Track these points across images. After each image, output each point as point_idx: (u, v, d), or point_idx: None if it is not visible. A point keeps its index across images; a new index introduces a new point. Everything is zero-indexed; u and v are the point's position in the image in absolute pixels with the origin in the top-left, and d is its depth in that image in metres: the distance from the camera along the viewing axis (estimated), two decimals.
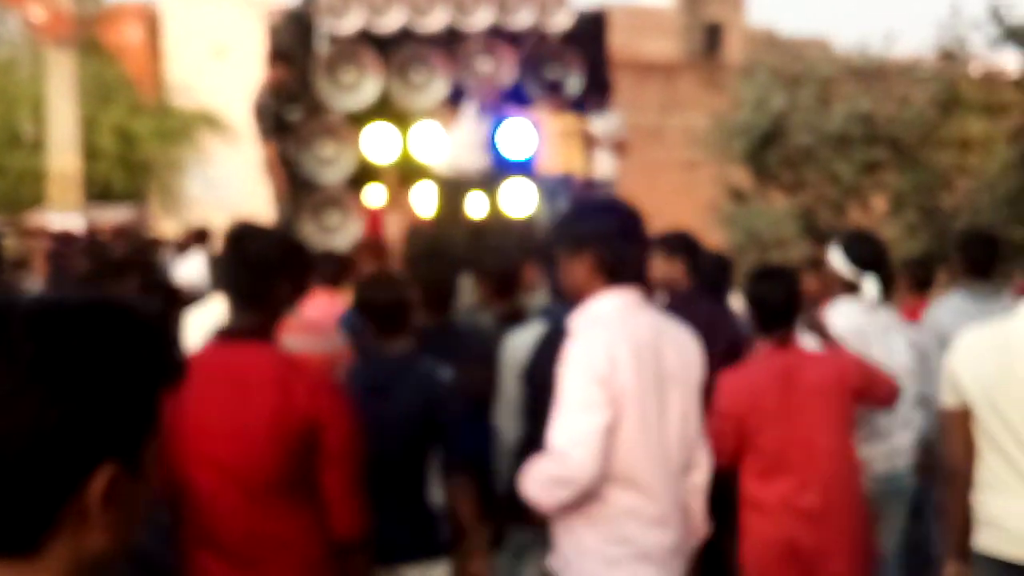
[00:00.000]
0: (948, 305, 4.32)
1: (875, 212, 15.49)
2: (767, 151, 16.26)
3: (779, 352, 3.38)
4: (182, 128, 19.50)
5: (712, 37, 23.05)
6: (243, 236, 2.54)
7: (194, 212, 18.35)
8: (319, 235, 6.87)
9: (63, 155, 9.95)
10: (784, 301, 3.37)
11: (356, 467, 2.53)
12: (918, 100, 15.72)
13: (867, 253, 3.86)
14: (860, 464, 3.45)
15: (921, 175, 15.52)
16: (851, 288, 3.87)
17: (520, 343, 3.66)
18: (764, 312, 3.38)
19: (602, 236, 2.61)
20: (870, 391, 3.41)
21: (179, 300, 3.72)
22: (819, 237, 15.76)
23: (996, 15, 12.80)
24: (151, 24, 17.14)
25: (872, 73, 15.79)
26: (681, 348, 2.71)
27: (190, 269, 5.95)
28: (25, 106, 16.80)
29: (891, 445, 3.86)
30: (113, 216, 10.13)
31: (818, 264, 5.06)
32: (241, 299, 2.49)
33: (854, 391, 3.39)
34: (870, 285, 3.81)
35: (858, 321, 3.81)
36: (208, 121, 20.55)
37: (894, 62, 15.95)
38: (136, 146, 18.19)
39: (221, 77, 22.11)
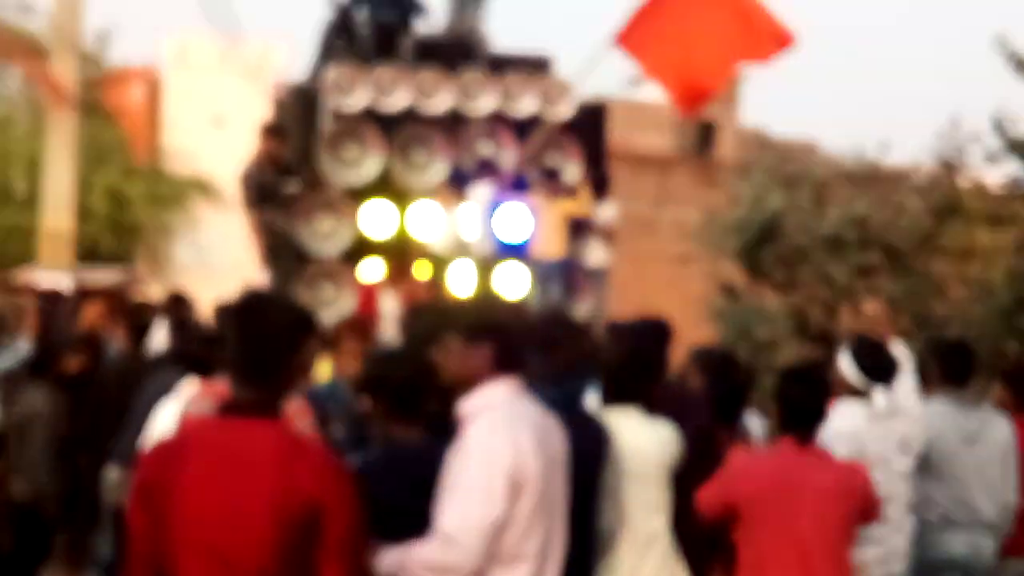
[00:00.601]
0: (929, 411, 4.45)
1: (866, 316, 15.75)
2: (761, 249, 16.61)
3: (798, 450, 3.46)
4: (175, 193, 19.81)
5: (705, 134, 23.90)
6: (252, 305, 2.49)
7: (181, 277, 18.50)
8: (313, 308, 7.03)
9: (57, 214, 10.20)
10: (817, 405, 3.46)
11: (358, 561, 2.39)
12: (914, 207, 16.14)
13: (878, 363, 3.99)
14: (854, 573, 3.52)
15: (915, 282, 15.85)
16: (856, 392, 3.99)
17: None
18: (794, 413, 3.46)
19: (501, 328, 2.81)
20: (872, 511, 3.49)
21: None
22: (811, 338, 16.01)
23: (999, 127, 13.17)
24: (152, 88, 17.59)
25: (866, 178, 16.25)
26: (559, 436, 2.90)
27: (159, 337, 6.04)
28: (19, 163, 17.09)
29: (886, 549, 3.96)
30: (103, 277, 10.32)
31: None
32: (246, 371, 2.40)
33: (859, 505, 3.48)
34: (880, 398, 3.93)
35: (857, 425, 3.93)
36: (201, 187, 20.87)
37: (889, 168, 16.43)
38: (127, 208, 18.45)
39: (218, 146, 22.55)
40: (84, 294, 8.43)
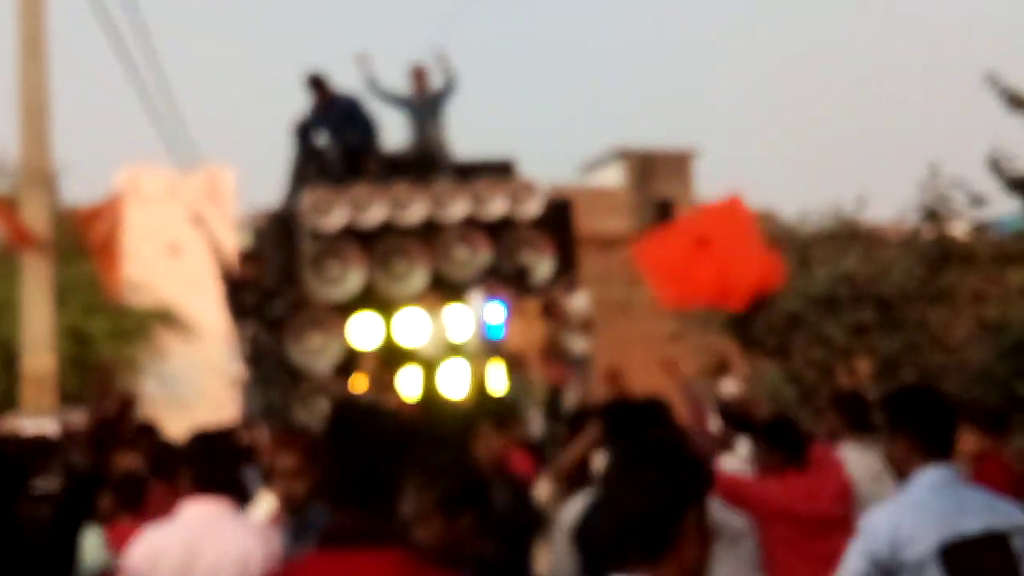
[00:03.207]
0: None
1: (861, 375, 16.80)
2: (752, 317, 17.69)
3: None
4: (138, 326, 20.82)
5: (662, 212, 25.65)
6: (356, 417, 2.33)
7: (150, 409, 19.36)
8: (311, 423, 8.00)
9: (38, 357, 11.00)
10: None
11: None
12: (904, 260, 17.32)
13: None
14: None
15: (910, 335, 16.96)
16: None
17: (572, 508, 4.02)
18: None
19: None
20: None
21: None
22: (815, 408, 16.99)
23: (996, 167, 13.87)
24: (116, 222, 18.72)
25: (848, 236, 17.45)
26: None
27: None
28: None
29: None
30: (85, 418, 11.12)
31: None
32: (352, 493, 2.23)
33: None
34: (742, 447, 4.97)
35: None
36: (163, 318, 21.91)
37: (868, 224, 17.64)
38: (90, 346, 19.40)
39: (175, 275, 23.80)
40: (70, 437, 9.11)
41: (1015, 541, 2.89)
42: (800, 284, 17.62)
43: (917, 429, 3.05)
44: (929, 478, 2.99)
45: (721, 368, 17.91)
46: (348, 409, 2.46)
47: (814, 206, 18.91)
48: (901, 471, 3.09)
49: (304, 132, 8.94)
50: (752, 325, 17.69)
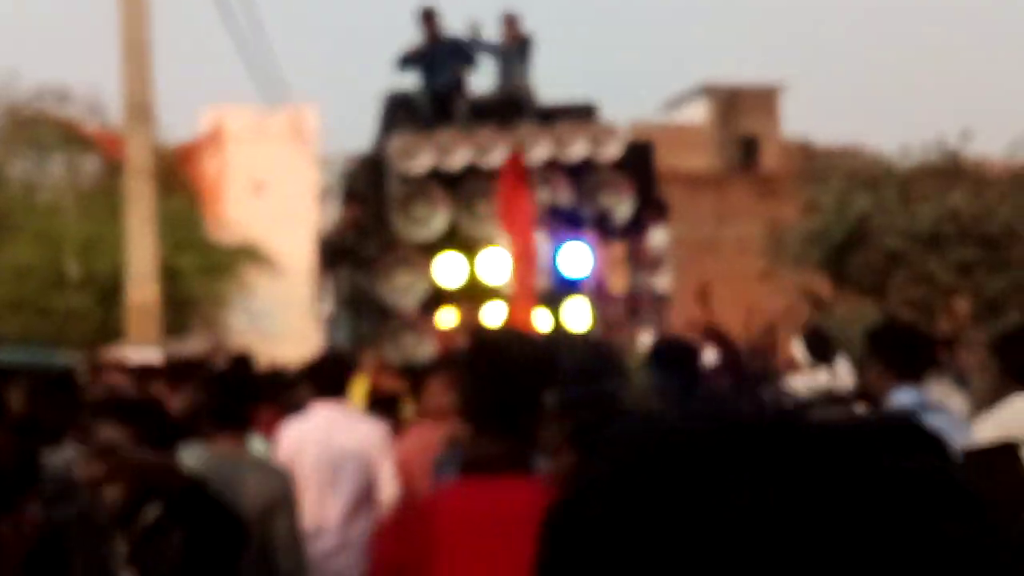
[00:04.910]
0: None
1: (960, 316, 17.16)
2: (847, 256, 18.13)
3: None
4: (225, 263, 22.09)
5: (748, 149, 25.91)
6: (501, 344, 2.45)
7: (238, 344, 20.66)
8: (398, 358, 8.90)
9: (143, 288, 11.94)
10: None
11: None
12: (1012, 196, 17.54)
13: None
14: None
15: (1017, 275, 17.24)
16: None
17: None
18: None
19: None
20: None
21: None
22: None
23: None
24: (220, 160, 19.77)
25: (951, 171, 17.69)
26: None
27: None
28: (71, 247, 19.51)
29: None
30: (190, 348, 12.21)
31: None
32: (494, 421, 2.30)
33: None
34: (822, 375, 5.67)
35: None
36: (249, 255, 23.17)
37: (971, 160, 17.84)
38: (180, 281, 20.72)
39: (259, 212, 25.10)
40: (176, 367, 9.90)
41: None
42: (901, 221, 17.96)
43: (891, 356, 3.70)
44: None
45: (817, 305, 18.38)
46: (493, 337, 2.66)
47: (915, 141, 19.15)
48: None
49: (407, 64, 9.72)
50: (848, 263, 18.13)
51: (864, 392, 3.89)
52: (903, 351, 3.74)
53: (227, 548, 2.86)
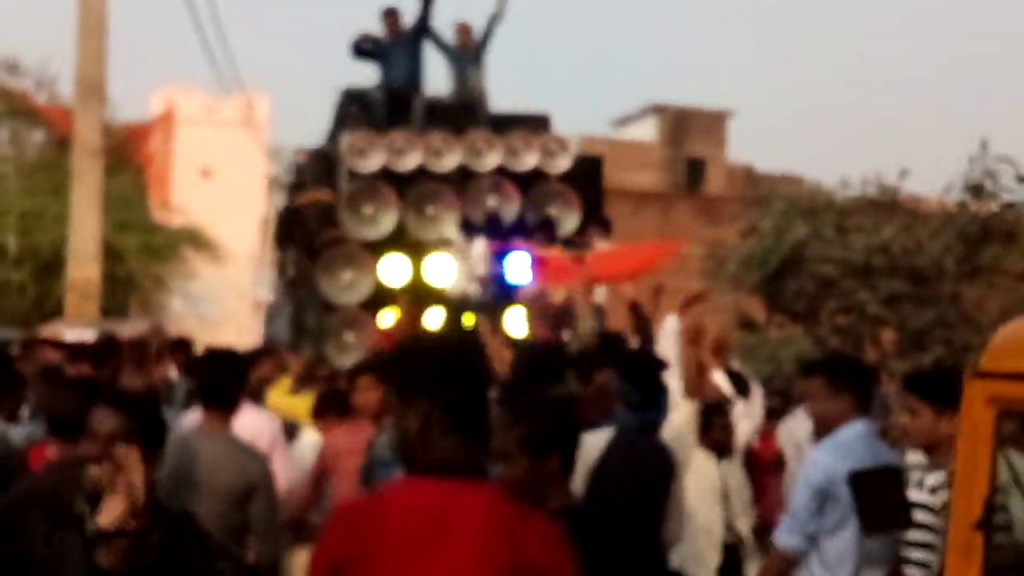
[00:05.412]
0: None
1: (885, 346, 17.55)
2: (783, 281, 18.45)
3: None
4: (168, 245, 21.89)
5: (695, 170, 26.52)
6: (470, 347, 2.46)
7: (177, 327, 20.50)
8: (337, 354, 8.93)
9: (84, 265, 11.81)
10: None
11: None
12: (942, 233, 17.97)
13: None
14: None
15: (944, 310, 17.66)
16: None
17: (592, 442, 4.17)
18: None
19: None
20: None
21: None
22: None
23: None
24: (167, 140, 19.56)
25: (887, 206, 18.11)
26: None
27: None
28: (10, 220, 19.21)
29: None
30: (128, 329, 12.06)
31: None
32: (456, 424, 2.29)
33: None
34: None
35: None
36: (192, 239, 22.99)
37: (907, 196, 18.28)
38: (121, 262, 20.49)
39: (206, 196, 24.95)
40: (110, 346, 9.68)
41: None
42: (836, 250, 18.32)
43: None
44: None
45: (750, 328, 18.63)
46: (462, 340, 2.67)
47: (854, 174, 19.53)
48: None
49: (361, 52, 9.73)
50: (783, 288, 18.44)
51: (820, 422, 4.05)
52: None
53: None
